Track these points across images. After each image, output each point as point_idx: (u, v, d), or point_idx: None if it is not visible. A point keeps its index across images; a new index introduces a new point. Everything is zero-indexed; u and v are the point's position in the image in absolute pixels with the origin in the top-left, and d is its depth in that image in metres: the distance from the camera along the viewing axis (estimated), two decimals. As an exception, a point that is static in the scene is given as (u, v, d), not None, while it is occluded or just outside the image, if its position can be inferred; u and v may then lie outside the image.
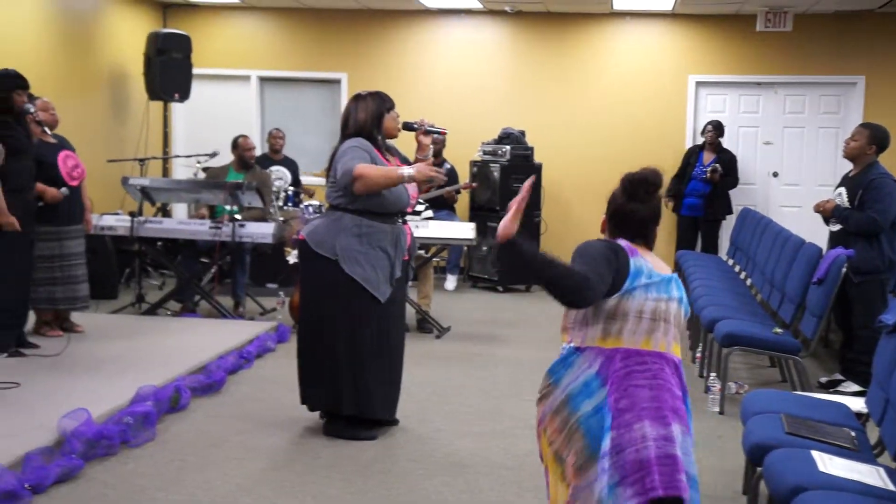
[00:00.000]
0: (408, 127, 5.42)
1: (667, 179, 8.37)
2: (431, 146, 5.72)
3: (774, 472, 3.48)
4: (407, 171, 4.81)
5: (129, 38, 10.29)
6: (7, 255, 6.07)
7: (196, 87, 10.26)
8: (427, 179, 5.18)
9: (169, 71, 9.83)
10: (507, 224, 2.70)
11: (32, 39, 8.79)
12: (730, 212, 9.63)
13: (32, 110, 6.17)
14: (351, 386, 4.97)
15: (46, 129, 6.39)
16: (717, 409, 5.77)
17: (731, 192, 9.68)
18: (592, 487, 2.73)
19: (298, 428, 5.11)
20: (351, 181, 4.63)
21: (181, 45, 9.92)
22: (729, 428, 5.50)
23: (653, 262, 2.88)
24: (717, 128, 9.57)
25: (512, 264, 2.79)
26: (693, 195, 9.55)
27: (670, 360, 2.81)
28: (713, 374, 6.02)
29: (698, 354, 6.89)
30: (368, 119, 4.86)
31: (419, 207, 8.38)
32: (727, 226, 9.68)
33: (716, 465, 4.85)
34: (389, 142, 5.17)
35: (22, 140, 6.06)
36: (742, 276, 8.26)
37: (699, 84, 10.31)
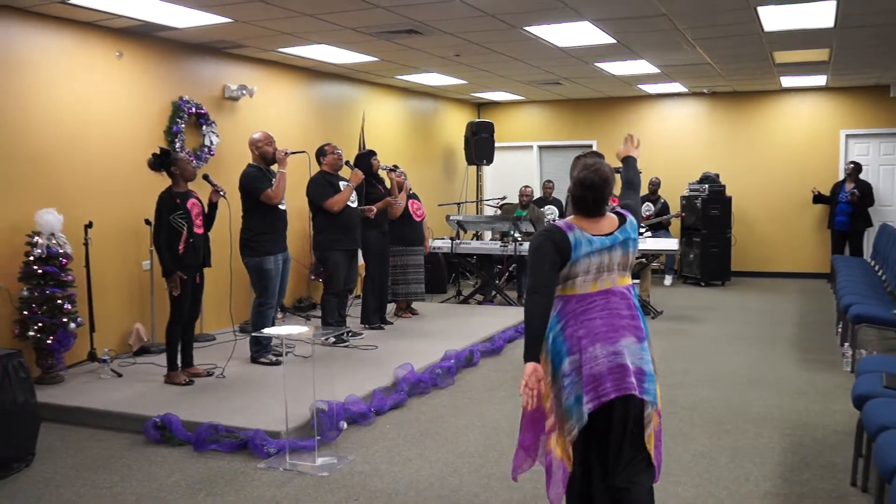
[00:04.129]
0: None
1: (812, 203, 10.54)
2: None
3: (869, 416, 3.87)
4: None
5: (455, 126, 13.36)
6: (376, 266, 7.81)
7: (498, 155, 12.92)
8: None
9: (481, 145, 12.41)
10: (625, 149, 3.63)
11: (396, 128, 11.46)
12: (870, 225, 11.35)
13: (398, 171, 8.06)
14: None
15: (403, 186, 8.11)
16: (848, 369, 6.60)
17: (871, 211, 11.37)
18: (560, 399, 3.07)
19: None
20: None
21: (488, 128, 12.55)
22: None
23: (597, 228, 3.12)
24: (857, 166, 11.42)
25: (628, 171, 3.55)
26: (841, 214, 11.40)
27: (617, 291, 3.10)
28: (846, 343, 6.84)
29: (839, 329, 7.69)
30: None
31: (641, 230, 11.01)
32: (870, 236, 11.41)
33: (840, 409, 5.57)
34: None
35: (378, 193, 7.86)
36: (879, 273, 9.34)
37: (848, 136, 12.15)
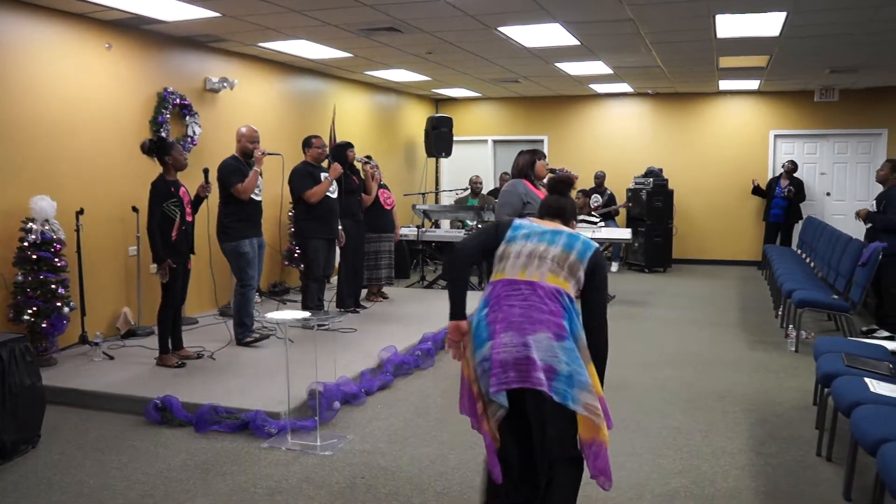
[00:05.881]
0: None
1: (747, 196, 10.84)
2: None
3: (839, 393, 3.96)
4: None
5: (416, 120, 13.23)
6: (351, 253, 7.62)
7: (455, 149, 12.89)
8: None
9: (440, 139, 12.36)
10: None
11: (362, 121, 11.42)
12: (801, 218, 11.56)
13: (371, 163, 7.96)
14: None
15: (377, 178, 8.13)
16: (793, 349, 6.77)
17: (801, 205, 11.68)
18: (479, 381, 2.95)
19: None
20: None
21: (447, 123, 12.49)
22: (801, 362, 6.35)
23: (548, 225, 3.09)
24: (793, 164, 11.68)
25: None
26: (777, 208, 11.66)
27: (545, 287, 2.90)
28: (791, 326, 6.98)
29: (779, 313, 7.91)
30: (523, 167, 5.64)
31: (594, 219, 10.98)
32: (797, 228, 11.69)
33: (793, 386, 5.70)
34: None
35: (353, 183, 7.73)
36: (807, 260, 9.66)
37: (777, 136, 12.41)
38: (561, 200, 3.24)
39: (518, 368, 2.80)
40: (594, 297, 3.04)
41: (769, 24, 7.08)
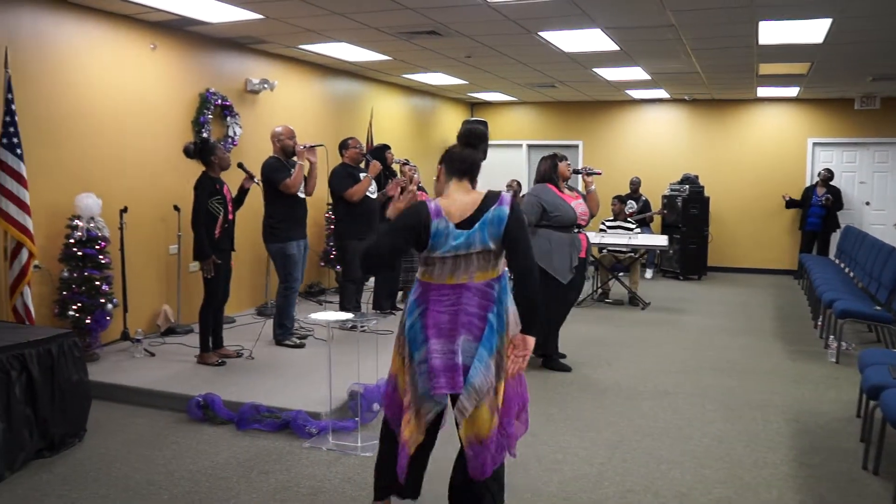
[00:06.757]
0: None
1: (783, 205, 10.74)
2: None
3: (889, 405, 3.92)
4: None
5: (451, 123, 13.25)
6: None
7: (490, 152, 12.86)
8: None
9: None
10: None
11: (399, 124, 11.54)
12: (839, 227, 11.43)
13: (410, 165, 7.64)
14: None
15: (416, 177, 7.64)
16: (833, 360, 6.67)
17: (839, 214, 11.53)
18: (415, 383, 3.03)
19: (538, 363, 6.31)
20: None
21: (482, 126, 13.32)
22: (842, 373, 6.30)
23: (458, 213, 2.95)
24: (829, 172, 11.61)
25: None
26: (814, 216, 11.53)
27: (472, 287, 2.95)
28: (832, 337, 6.84)
29: (818, 323, 7.78)
30: (546, 171, 6.04)
31: (631, 225, 10.78)
32: (835, 238, 11.44)
33: (834, 397, 5.63)
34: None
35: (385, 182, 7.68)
36: (846, 270, 9.47)
37: (815, 144, 12.26)
38: (472, 155, 3.07)
39: (446, 374, 2.92)
40: (515, 245, 3.00)
41: (813, 30, 7.00)
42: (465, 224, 2.95)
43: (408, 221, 2.99)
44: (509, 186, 11.19)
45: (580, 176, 6.52)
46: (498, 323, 2.98)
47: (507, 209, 2.96)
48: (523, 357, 3.00)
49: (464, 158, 3.05)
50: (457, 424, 3.05)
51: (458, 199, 3.00)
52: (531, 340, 3.02)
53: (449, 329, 2.94)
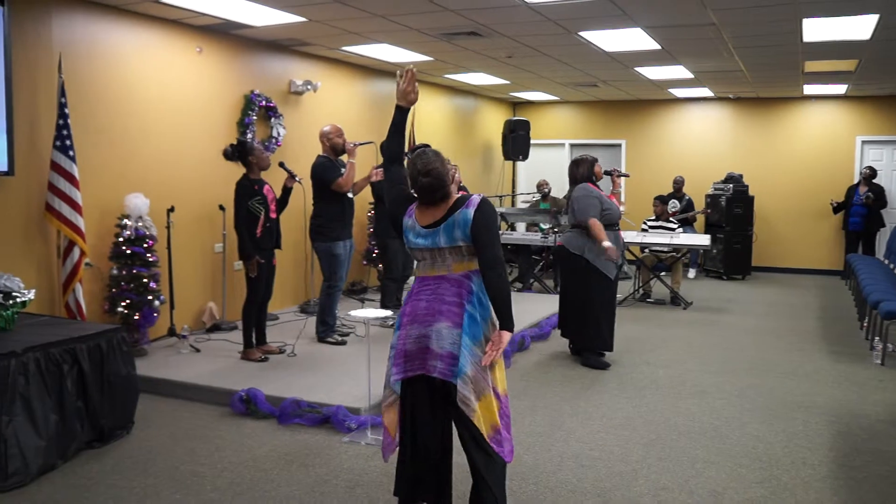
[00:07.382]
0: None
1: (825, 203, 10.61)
2: None
3: None
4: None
5: (493, 123, 13.36)
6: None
7: (532, 152, 12.96)
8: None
9: (517, 142, 12.50)
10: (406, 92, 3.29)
11: (441, 124, 11.60)
12: (882, 226, 11.31)
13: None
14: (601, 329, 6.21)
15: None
16: (879, 361, 6.64)
17: (884, 213, 11.35)
18: (390, 368, 3.20)
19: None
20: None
21: (525, 126, 12.60)
22: (888, 375, 6.28)
23: (429, 217, 3.12)
24: (872, 170, 11.38)
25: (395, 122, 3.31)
26: (855, 216, 11.36)
27: (450, 278, 3.11)
28: (877, 338, 6.79)
29: (864, 324, 7.72)
30: (586, 173, 6.30)
31: (673, 225, 10.59)
32: (882, 237, 11.46)
33: (879, 399, 5.58)
34: None
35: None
36: (895, 270, 9.13)
37: (864, 142, 12.08)
38: (431, 184, 3.12)
39: (419, 358, 3.06)
40: (477, 240, 3.08)
41: (860, 27, 6.89)
42: (433, 226, 3.12)
43: (396, 201, 3.28)
44: (539, 186, 11.20)
45: (610, 177, 6.92)
46: (481, 311, 3.12)
47: (472, 211, 3.08)
48: (496, 350, 3.07)
49: (425, 190, 3.13)
50: (461, 437, 3.15)
51: (430, 209, 3.17)
52: (506, 335, 3.10)
53: (425, 315, 3.07)
